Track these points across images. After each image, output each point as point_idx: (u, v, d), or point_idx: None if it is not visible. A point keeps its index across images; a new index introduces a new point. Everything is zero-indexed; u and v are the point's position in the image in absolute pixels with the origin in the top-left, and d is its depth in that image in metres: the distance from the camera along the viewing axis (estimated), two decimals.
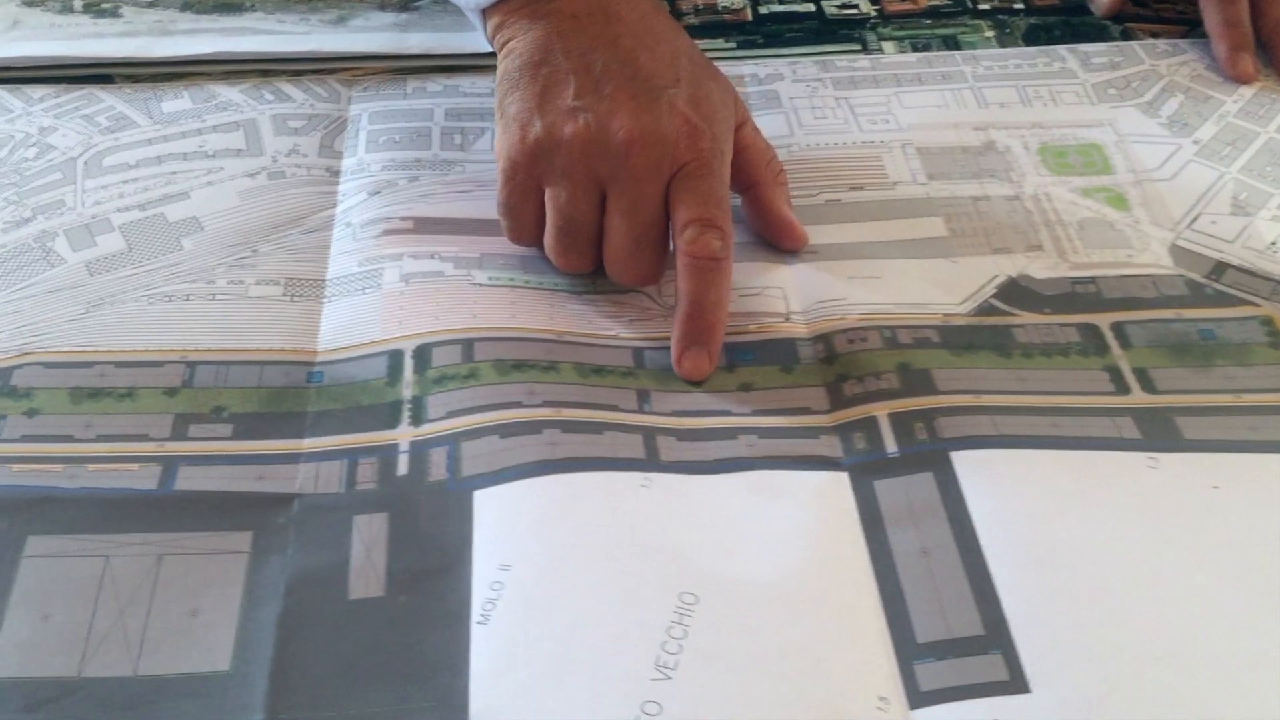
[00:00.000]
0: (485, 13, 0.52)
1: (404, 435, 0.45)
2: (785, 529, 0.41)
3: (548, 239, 0.49)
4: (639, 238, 0.47)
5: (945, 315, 0.49)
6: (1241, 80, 0.61)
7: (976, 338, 0.48)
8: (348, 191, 0.56)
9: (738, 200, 0.53)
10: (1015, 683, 0.37)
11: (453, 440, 0.44)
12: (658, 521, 0.42)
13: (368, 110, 0.60)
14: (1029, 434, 0.44)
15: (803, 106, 0.60)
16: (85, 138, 0.58)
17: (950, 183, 0.56)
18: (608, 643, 0.38)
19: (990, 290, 0.50)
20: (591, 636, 0.38)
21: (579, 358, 0.47)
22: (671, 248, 0.48)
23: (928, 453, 0.43)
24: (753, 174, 0.52)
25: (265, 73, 0.63)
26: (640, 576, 0.40)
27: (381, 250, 0.52)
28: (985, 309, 0.49)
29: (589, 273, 0.50)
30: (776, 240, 0.52)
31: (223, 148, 0.58)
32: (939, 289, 0.50)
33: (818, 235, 0.53)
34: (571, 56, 0.48)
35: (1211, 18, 0.63)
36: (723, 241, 0.46)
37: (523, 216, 0.49)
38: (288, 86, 0.62)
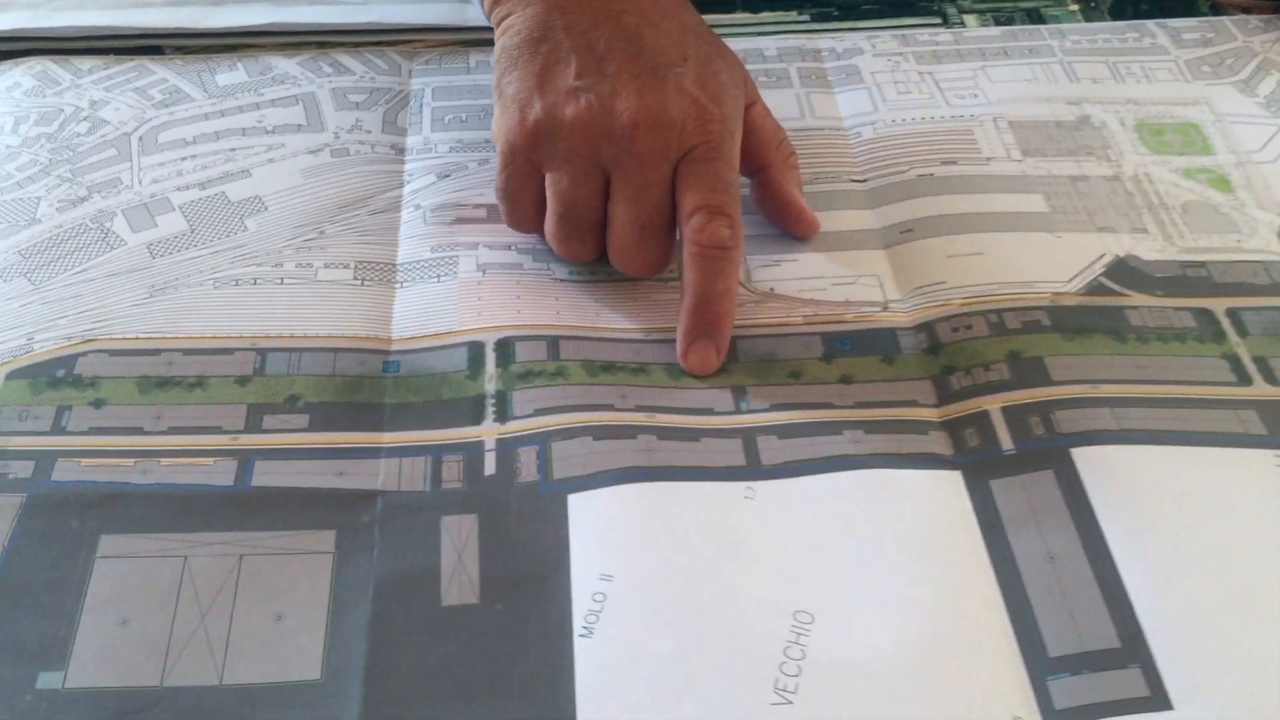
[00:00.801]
0: None
1: (489, 432, 0.43)
2: (900, 536, 0.39)
3: (548, 226, 0.46)
4: (644, 225, 0.45)
5: (1054, 295, 0.47)
6: None
7: (1089, 320, 0.45)
8: (415, 171, 0.53)
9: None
10: (1157, 699, 0.35)
11: (542, 439, 0.42)
12: (765, 534, 0.39)
13: (430, 85, 0.58)
14: (1152, 428, 0.42)
15: (885, 82, 0.58)
16: (139, 112, 0.56)
17: (1046, 160, 0.53)
18: (722, 664, 0.36)
19: (1099, 269, 0.48)
20: (705, 657, 0.36)
21: (669, 357, 0.45)
22: (679, 235, 0.45)
23: (1046, 450, 0.41)
24: (763, 156, 0.49)
25: (321, 44, 0.60)
26: (751, 594, 0.38)
27: (455, 238, 0.50)
28: (1096, 288, 0.47)
29: (592, 260, 0.47)
30: (787, 226, 0.50)
31: (282, 123, 0.55)
32: (1045, 265, 0.48)
33: (912, 210, 0.51)
34: (573, 33, 0.46)
35: None
36: (731, 230, 0.44)
37: (522, 202, 0.47)
38: (345, 58, 0.60)
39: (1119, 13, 0.63)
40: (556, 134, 0.44)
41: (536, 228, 0.48)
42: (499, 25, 0.48)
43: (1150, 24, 0.61)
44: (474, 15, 0.57)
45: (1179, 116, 0.56)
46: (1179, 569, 0.38)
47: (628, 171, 0.44)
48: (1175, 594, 0.37)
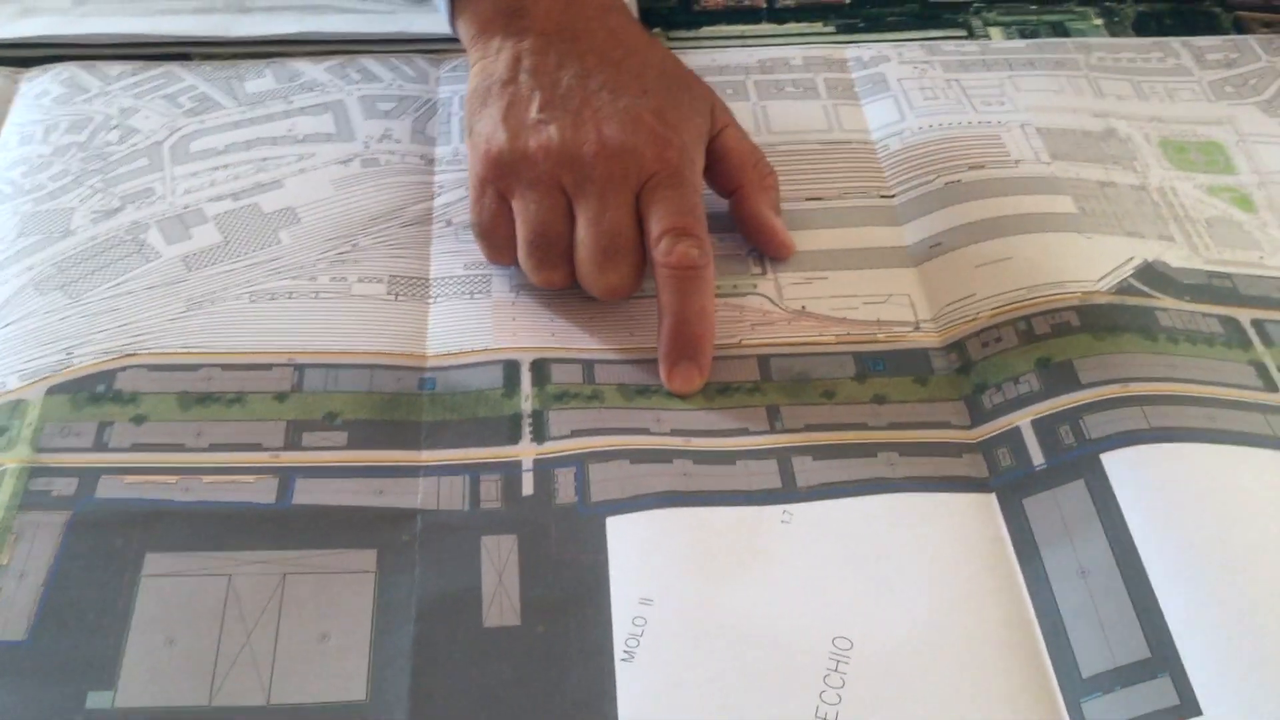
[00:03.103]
0: (456, 17, 0.52)
1: (527, 452, 0.43)
2: (935, 561, 0.40)
3: (520, 254, 0.47)
4: (606, 248, 0.46)
5: (1084, 294, 0.47)
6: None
7: (1120, 318, 0.46)
8: (445, 184, 0.54)
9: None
10: (1186, 706, 0.35)
11: (579, 461, 0.43)
12: (802, 559, 0.40)
13: (458, 93, 0.58)
14: (1183, 426, 0.42)
15: (912, 89, 0.58)
16: (169, 120, 0.56)
17: (1075, 164, 0.53)
18: (764, 691, 0.36)
19: (1129, 270, 0.48)
20: (746, 682, 0.37)
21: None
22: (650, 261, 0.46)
23: (1077, 460, 0.42)
24: (737, 178, 0.50)
25: (348, 50, 0.60)
26: (790, 620, 0.38)
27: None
28: (1126, 288, 0.47)
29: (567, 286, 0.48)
30: (760, 245, 0.51)
31: (312, 132, 0.56)
32: (1075, 264, 0.48)
33: (940, 222, 0.51)
34: (538, 74, 0.48)
35: None
36: (700, 249, 0.45)
37: (496, 235, 0.48)
38: (373, 64, 0.60)
39: (1142, 27, 0.63)
40: (521, 164, 0.46)
41: (514, 260, 0.48)
42: (473, 68, 0.50)
43: (1174, 42, 0.62)
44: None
45: (1202, 136, 0.56)
46: (1208, 572, 0.38)
47: (589, 196, 0.45)
48: (1204, 597, 0.38)
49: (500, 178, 0.47)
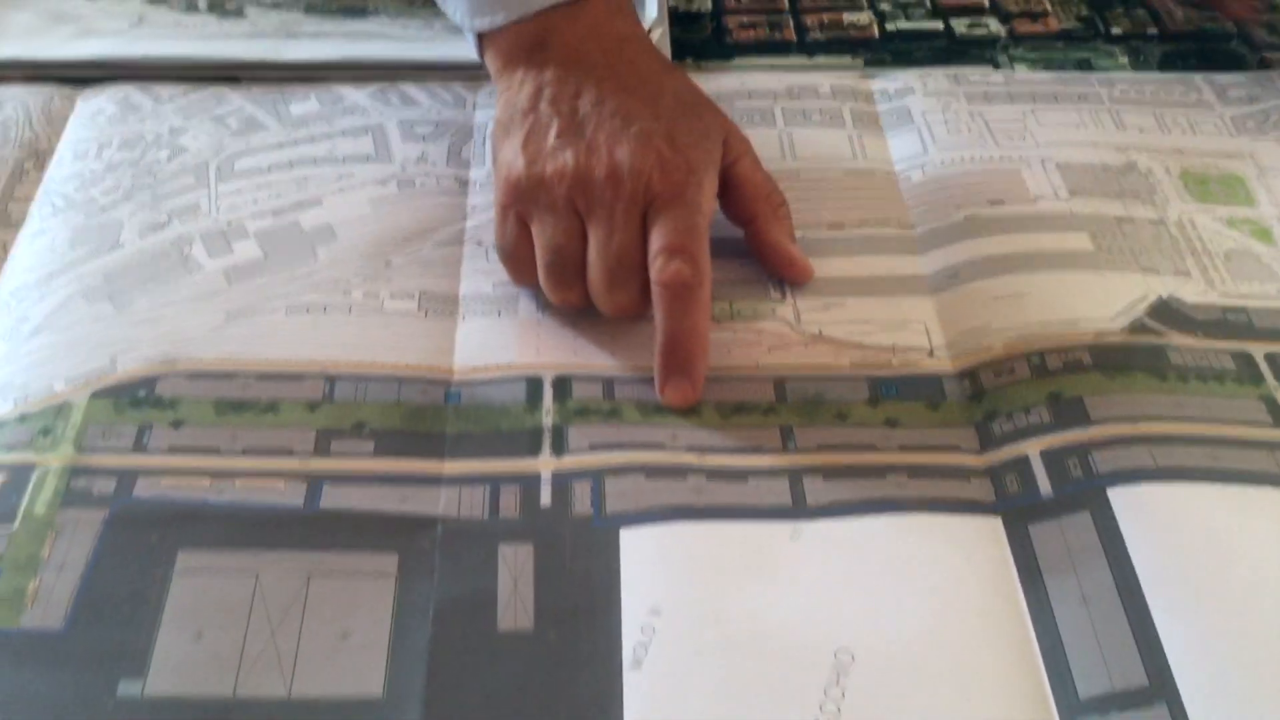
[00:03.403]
0: (484, 49, 0.54)
1: (546, 465, 0.45)
2: (939, 581, 0.41)
3: (540, 275, 0.49)
4: (613, 268, 0.47)
5: (1098, 334, 0.48)
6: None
7: (1131, 358, 0.47)
8: (478, 206, 0.55)
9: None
10: None
11: (596, 475, 0.44)
12: (809, 574, 0.41)
13: (492, 119, 0.60)
14: (1188, 465, 0.43)
15: (935, 121, 0.59)
16: (216, 140, 0.58)
17: (1093, 200, 0.54)
18: (766, 700, 0.38)
19: (1142, 308, 0.49)
20: (749, 692, 0.38)
21: (719, 396, 0.47)
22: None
23: (1083, 492, 0.43)
24: (750, 207, 0.52)
25: (390, 76, 0.63)
26: (795, 632, 0.39)
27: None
28: (1138, 327, 0.48)
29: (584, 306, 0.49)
30: (780, 273, 0.52)
31: (352, 153, 0.58)
32: (1089, 303, 0.49)
33: (959, 254, 0.52)
34: (557, 103, 0.50)
35: None
36: (694, 268, 0.46)
37: (520, 258, 0.50)
38: (412, 90, 0.62)
39: (1167, 66, 0.64)
40: (539, 189, 0.48)
41: (537, 282, 0.50)
42: (499, 100, 0.52)
43: (1197, 78, 0.63)
44: None
45: (1223, 169, 0.57)
46: (1208, 607, 0.39)
47: (599, 219, 0.47)
48: (1203, 630, 0.38)
49: (520, 202, 0.49)
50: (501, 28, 0.52)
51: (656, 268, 0.46)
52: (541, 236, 0.48)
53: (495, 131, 0.51)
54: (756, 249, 0.52)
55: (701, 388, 0.47)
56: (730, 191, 0.51)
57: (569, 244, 0.48)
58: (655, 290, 0.47)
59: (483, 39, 0.54)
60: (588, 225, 0.48)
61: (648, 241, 0.47)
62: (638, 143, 0.48)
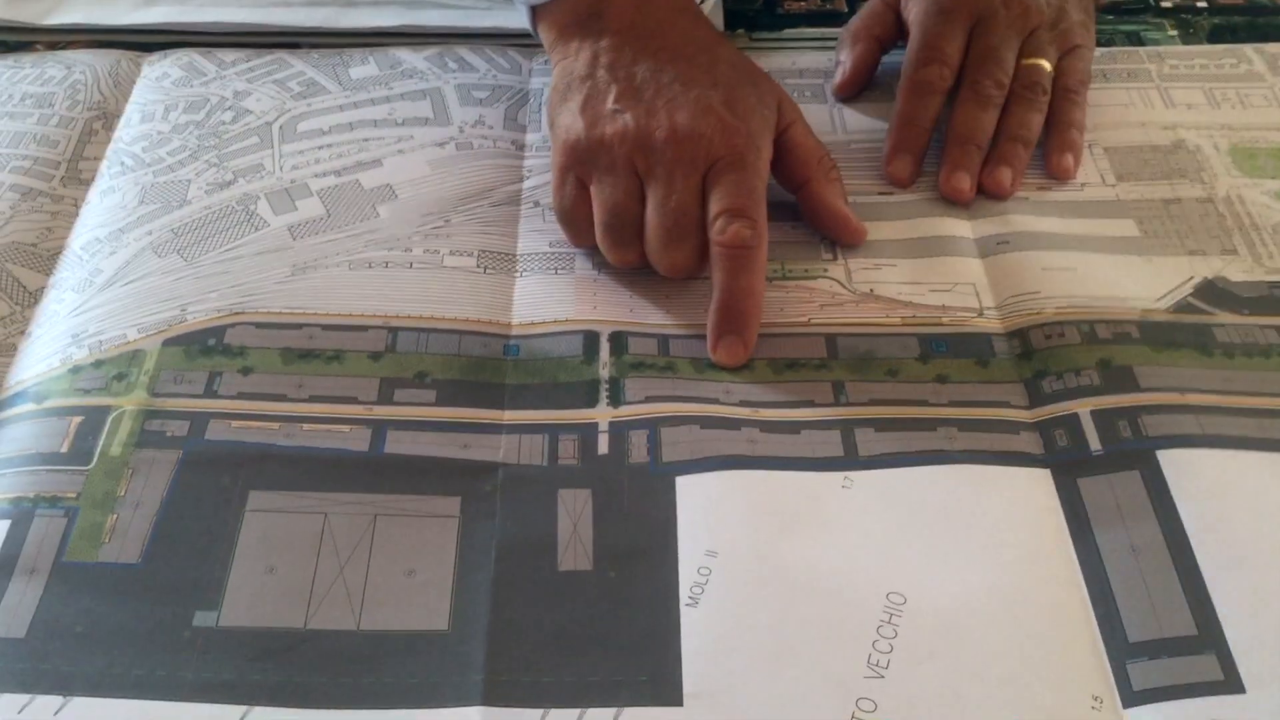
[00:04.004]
0: (537, 20, 0.55)
1: (603, 415, 0.46)
2: (989, 527, 0.42)
3: (598, 235, 0.50)
4: (671, 228, 0.48)
5: (1144, 310, 0.49)
6: (893, 181, 0.55)
7: (1178, 335, 0.48)
8: (534, 168, 0.57)
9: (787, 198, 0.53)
10: (1230, 683, 0.37)
11: (652, 425, 0.45)
12: (860, 520, 0.42)
13: (548, 84, 0.61)
14: (1236, 434, 0.44)
15: None
16: (279, 103, 0.60)
17: (1140, 184, 0.55)
18: (819, 638, 0.39)
19: (1188, 289, 0.50)
20: (803, 630, 0.39)
21: (772, 352, 0.48)
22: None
23: (1133, 451, 0.43)
24: (804, 171, 0.52)
25: (446, 40, 0.64)
26: (847, 575, 0.40)
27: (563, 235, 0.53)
28: (1184, 307, 0.49)
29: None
30: (834, 234, 0.52)
31: (411, 116, 0.59)
32: (1136, 284, 0.50)
33: (1009, 224, 0.53)
34: (614, 69, 0.51)
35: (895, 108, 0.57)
36: (753, 230, 0.47)
37: (578, 219, 0.50)
38: (469, 55, 0.63)
39: (1217, 38, 0.64)
40: (598, 150, 0.49)
41: (594, 243, 0.51)
42: (555, 68, 0.53)
43: (1247, 48, 0.63)
44: None
45: (1273, 141, 0.57)
46: (1257, 565, 0.40)
47: (658, 179, 0.48)
48: (1251, 587, 0.39)
49: (579, 164, 0.49)
50: (555, 0, 0.53)
51: (717, 229, 0.47)
52: (600, 196, 0.49)
53: (552, 97, 0.52)
54: (811, 211, 0.53)
55: (753, 348, 0.48)
56: (784, 156, 0.52)
57: (628, 203, 0.49)
58: (715, 251, 0.48)
59: (536, 11, 0.55)
60: (646, 185, 0.49)
61: (706, 203, 0.48)
62: (697, 107, 0.48)
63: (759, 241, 0.47)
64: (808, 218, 0.53)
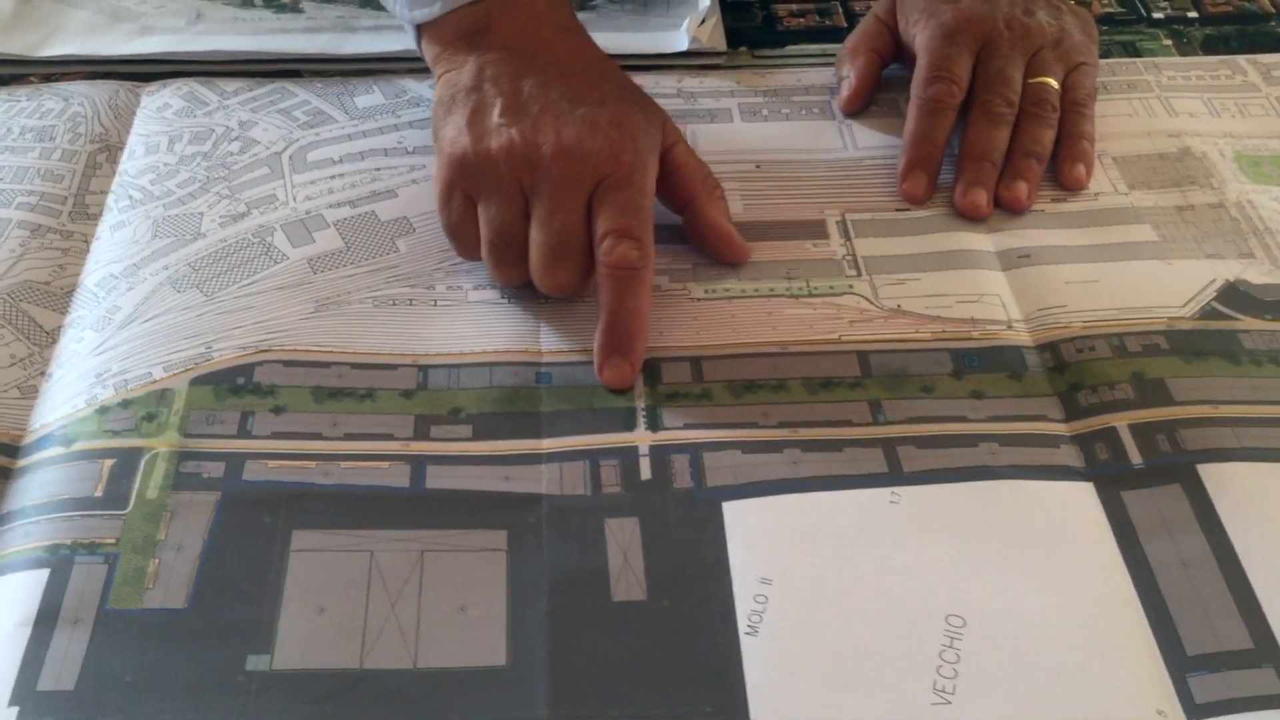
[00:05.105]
0: (422, 37, 0.54)
1: (643, 439, 0.46)
2: (1041, 543, 0.42)
3: (484, 253, 0.50)
4: (554, 247, 0.48)
5: (1170, 319, 0.49)
6: (908, 198, 0.56)
7: (1206, 343, 0.48)
8: None
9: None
10: None
11: (694, 449, 0.45)
12: (912, 540, 0.42)
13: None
14: (1272, 447, 0.44)
15: None
16: (286, 132, 0.59)
17: (1152, 192, 0.56)
18: (882, 664, 0.39)
19: (1211, 294, 0.51)
20: (865, 657, 0.39)
21: (806, 371, 0.48)
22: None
23: (1173, 465, 0.44)
24: (689, 190, 0.52)
25: None
26: (904, 598, 0.40)
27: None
28: (1209, 312, 0.50)
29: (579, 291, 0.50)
30: (719, 253, 0.53)
31: (422, 144, 0.58)
32: (1159, 291, 0.51)
33: (1028, 238, 0.54)
34: (500, 83, 0.50)
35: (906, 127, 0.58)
36: (640, 251, 0.47)
37: (466, 235, 0.50)
38: None
39: (1210, 48, 0.65)
40: (484, 166, 0.48)
41: (481, 257, 0.50)
42: (439, 80, 0.53)
43: (1241, 60, 0.64)
44: (652, 43, 0.63)
45: (1275, 149, 0.58)
46: None
47: (543, 197, 0.48)
48: None
49: (465, 179, 0.49)
50: (440, 18, 0.52)
51: (604, 249, 0.47)
52: (486, 214, 0.49)
53: (436, 110, 0.52)
54: (695, 230, 0.53)
55: (639, 369, 0.48)
56: (669, 176, 0.52)
57: (513, 223, 0.48)
58: (601, 271, 0.47)
59: (421, 31, 0.54)
60: (531, 203, 0.48)
61: (592, 222, 0.48)
62: (584, 124, 0.48)
63: (646, 263, 0.47)
64: (692, 237, 0.53)
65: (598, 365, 0.48)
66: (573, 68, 0.51)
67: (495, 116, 0.49)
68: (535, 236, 0.48)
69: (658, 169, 0.51)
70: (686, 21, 0.64)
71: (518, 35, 0.51)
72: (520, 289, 0.51)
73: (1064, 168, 0.56)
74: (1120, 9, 0.68)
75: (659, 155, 0.51)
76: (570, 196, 0.48)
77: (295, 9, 0.67)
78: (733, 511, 0.43)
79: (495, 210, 0.48)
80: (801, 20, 0.68)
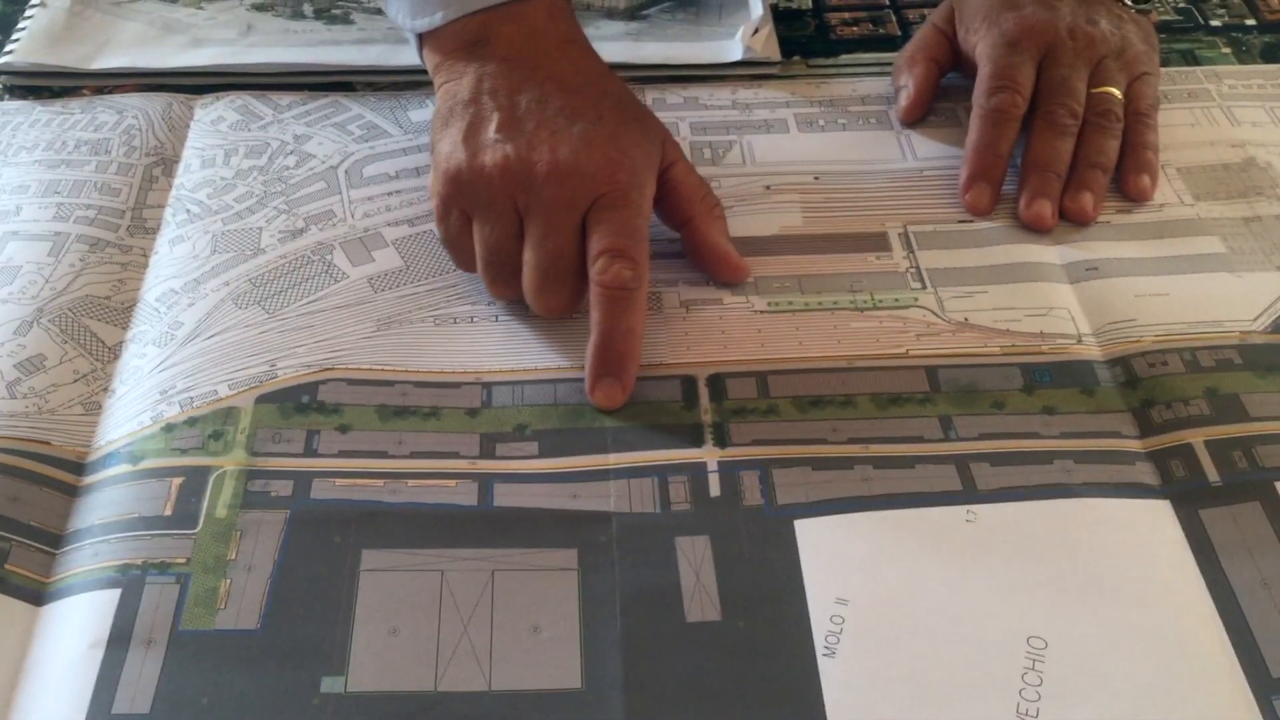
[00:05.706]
0: (423, 47, 0.54)
1: (711, 455, 0.45)
2: (1120, 562, 0.41)
3: (479, 269, 0.49)
4: (547, 270, 0.47)
5: (1242, 333, 0.49)
6: (972, 209, 0.55)
7: (1278, 358, 0.48)
8: None
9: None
10: None
11: (763, 466, 0.45)
12: (989, 560, 0.42)
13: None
14: None
15: None
16: (341, 146, 0.59)
17: (1218, 203, 0.55)
18: (963, 688, 0.38)
19: None
20: (946, 679, 0.38)
21: (874, 387, 0.47)
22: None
23: (1252, 482, 0.43)
24: (686, 209, 0.52)
25: None
26: (983, 620, 0.40)
27: (655, 274, 0.52)
28: None
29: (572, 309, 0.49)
30: (715, 272, 0.52)
31: None
32: (1229, 304, 0.50)
33: (1094, 250, 0.53)
34: (498, 96, 0.49)
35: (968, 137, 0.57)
36: (634, 271, 0.46)
37: (463, 248, 0.50)
38: None
39: (1270, 55, 0.64)
40: (478, 183, 0.48)
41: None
42: (439, 91, 0.52)
43: None
44: (699, 53, 0.63)
45: None
46: None
47: (537, 217, 0.47)
48: None
49: (460, 195, 0.48)
50: (441, 27, 0.52)
51: (598, 269, 0.47)
52: (480, 233, 0.48)
53: (434, 122, 0.51)
54: (693, 249, 0.52)
55: (631, 390, 0.47)
56: (667, 195, 0.51)
57: (506, 242, 0.48)
58: (595, 291, 0.47)
59: (423, 40, 0.53)
60: (525, 223, 0.48)
61: (586, 242, 0.47)
62: (581, 142, 0.48)
63: (640, 283, 0.47)
64: (690, 256, 0.53)
65: (589, 386, 0.47)
66: (572, 81, 0.50)
67: (491, 132, 0.48)
68: (528, 258, 0.48)
69: (655, 187, 0.50)
70: (740, 31, 0.64)
71: (518, 47, 0.51)
72: None
73: (1129, 178, 0.55)
74: (1178, 17, 0.67)
75: (657, 172, 0.50)
76: (563, 217, 0.47)
77: (346, 20, 0.67)
78: (805, 530, 0.43)
79: (489, 230, 0.48)
80: (855, 29, 0.67)
